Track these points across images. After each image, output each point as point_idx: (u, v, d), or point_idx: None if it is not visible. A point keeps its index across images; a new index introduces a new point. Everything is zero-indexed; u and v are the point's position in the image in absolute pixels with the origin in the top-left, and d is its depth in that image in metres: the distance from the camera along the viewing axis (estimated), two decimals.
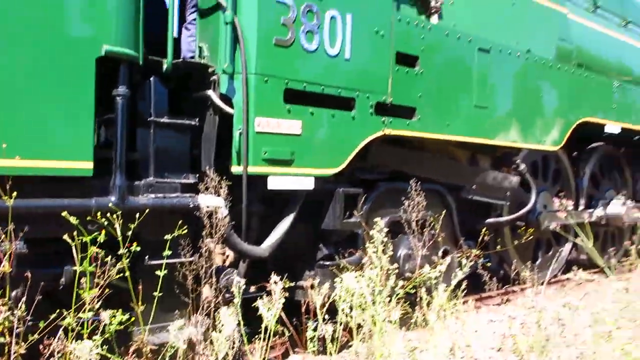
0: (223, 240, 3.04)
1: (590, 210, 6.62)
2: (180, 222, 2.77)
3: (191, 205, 2.93)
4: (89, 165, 2.60)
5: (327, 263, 3.69)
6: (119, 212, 2.49)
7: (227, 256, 3.48)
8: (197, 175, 3.14)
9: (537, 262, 6.04)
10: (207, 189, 3.06)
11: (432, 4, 4.46)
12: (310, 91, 3.48)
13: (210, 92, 3.27)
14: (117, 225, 2.40)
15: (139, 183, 2.87)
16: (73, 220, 2.30)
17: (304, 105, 3.44)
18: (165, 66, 3.00)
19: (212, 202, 2.98)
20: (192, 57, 3.45)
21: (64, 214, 2.39)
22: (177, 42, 3.46)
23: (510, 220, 5.22)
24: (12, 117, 2.40)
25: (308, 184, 3.44)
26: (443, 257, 4.43)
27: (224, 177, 3.13)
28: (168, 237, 2.69)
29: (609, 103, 6.14)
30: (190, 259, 2.90)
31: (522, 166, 5.14)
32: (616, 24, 7.32)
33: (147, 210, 2.66)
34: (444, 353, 2.98)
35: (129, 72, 2.79)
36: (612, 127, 6.17)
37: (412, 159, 4.38)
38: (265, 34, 3.26)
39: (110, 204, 2.62)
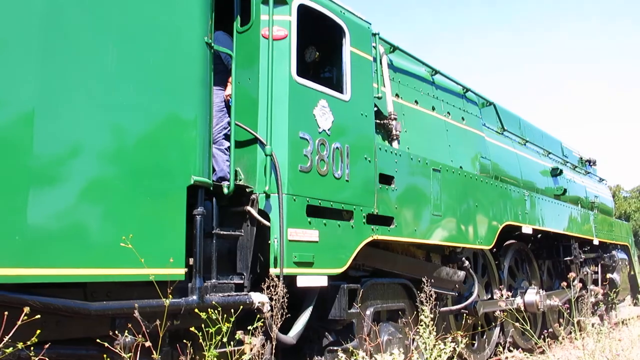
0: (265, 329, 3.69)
1: (511, 299, 7.87)
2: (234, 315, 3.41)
3: (247, 302, 3.60)
4: (182, 271, 3.24)
5: (335, 348, 4.40)
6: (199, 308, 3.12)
7: (254, 345, 4.09)
8: (243, 276, 3.83)
9: (475, 345, 7.05)
10: (250, 288, 3.75)
11: (393, 132, 5.68)
12: (323, 206, 4.37)
13: (249, 208, 4.04)
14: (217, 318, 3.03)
15: (207, 284, 3.51)
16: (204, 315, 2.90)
17: (319, 218, 4.31)
18: (226, 190, 3.77)
19: (260, 298, 3.67)
20: (225, 178, 4.22)
21: (136, 313, 2.97)
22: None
23: (461, 308, 6.24)
24: (137, 234, 3.03)
25: (324, 282, 4.23)
26: (413, 341, 5.29)
27: (263, 278, 3.84)
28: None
29: (523, 209, 7.61)
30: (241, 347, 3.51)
31: (466, 262, 6.27)
32: (518, 142, 9.15)
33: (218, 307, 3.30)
34: None
35: (204, 195, 3.53)
36: (527, 229, 7.62)
37: (387, 259, 5.32)
38: (293, 163, 4.17)
39: (195, 303, 3.23)
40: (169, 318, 3.07)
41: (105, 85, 3.05)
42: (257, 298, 3.66)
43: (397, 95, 6.00)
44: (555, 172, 9.72)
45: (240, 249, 4.06)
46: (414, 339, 5.39)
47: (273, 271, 3.92)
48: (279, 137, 4.14)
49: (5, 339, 2.13)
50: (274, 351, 4.00)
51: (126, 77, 3.14)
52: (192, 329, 3.03)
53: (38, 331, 2.38)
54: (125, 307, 3.04)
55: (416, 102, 6.33)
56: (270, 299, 3.84)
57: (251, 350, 4.05)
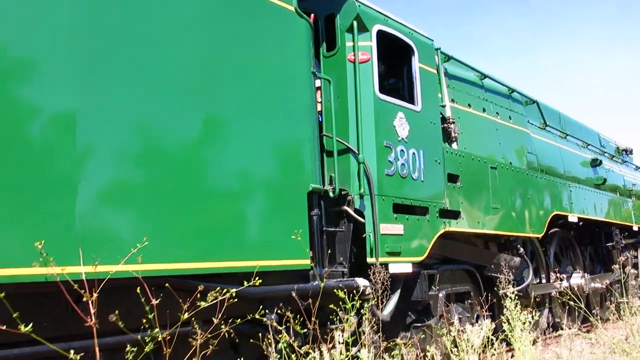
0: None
1: (558, 282, 8.50)
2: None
3: (354, 286, 4.35)
4: (308, 261, 4.01)
5: (418, 325, 5.14)
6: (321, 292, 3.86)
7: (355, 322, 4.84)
8: (343, 265, 4.58)
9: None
10: (353, 275, 4.50)
11: (452, 134, 6.35)
12: (405, 204, 5.09)
13: (346, 208, 4.78)
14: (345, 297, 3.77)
15: (320, 272, 4.27)
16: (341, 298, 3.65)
17: (403, 214, 5.04)
18: (332, 194, 4.52)
19: (364, 283, 4.42)
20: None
21: (294, 294, 3.75)
22: None
23: (518, 290, 6.90)
24: (278, 233, 3.80)
25: (409, 268, 4.96)
26: (476, 320, 6.00)
27: (358, 267, 4.59)
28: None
29: (568, 199, 8.22)
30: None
31: (521, 249, 6.93)
32: (559, 136, 9.71)
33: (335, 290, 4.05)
34: None
35: (318, 199, 4.29)
36: (572, 218, 8.23)
37: (454, 248, 6.03)
38: (380, 168, 4.90)
39: (318, 287, 4.00)
40: (295, 300, 3.83)
41: (254, 121, 3.85)
42: (361, 282, 4.41)
43: (452, 100, 6.66)
44: (595, 163, 10.25)
45: (339, 242, 4.81)
46: (478, 317, 6.11)
47: (370, 260, 4.66)
48: (368, 146, 4.87)
49: (216, 320, 2.88)
50: (374, 327, 4.76)
51: (265, 113, 3.93)
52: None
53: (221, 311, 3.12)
54: (277, 292, 3.80)
55: (469, 105, 6.98)
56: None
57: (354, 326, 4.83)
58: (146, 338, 2.46)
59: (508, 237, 6.92)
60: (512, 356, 5.25)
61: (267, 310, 3.67)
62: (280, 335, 3.34)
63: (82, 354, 2.30)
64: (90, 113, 2.98)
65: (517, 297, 7.18)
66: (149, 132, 3.26)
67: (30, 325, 2.15)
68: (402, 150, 5.16)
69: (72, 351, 2.29)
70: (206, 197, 3.48)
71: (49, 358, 2.77)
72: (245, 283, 3.03)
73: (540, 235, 7.34)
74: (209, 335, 2.75)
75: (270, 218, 3.85)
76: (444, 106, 6.09)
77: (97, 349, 2.33)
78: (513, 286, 7.02)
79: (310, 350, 3.43)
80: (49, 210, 2.71)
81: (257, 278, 3.17)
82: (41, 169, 2.74)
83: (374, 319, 4.55)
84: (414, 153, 5.30)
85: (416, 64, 5.56)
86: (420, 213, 5.28)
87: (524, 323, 4.69)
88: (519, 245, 6.95)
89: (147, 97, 3.26)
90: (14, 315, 2.15)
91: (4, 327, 2.16)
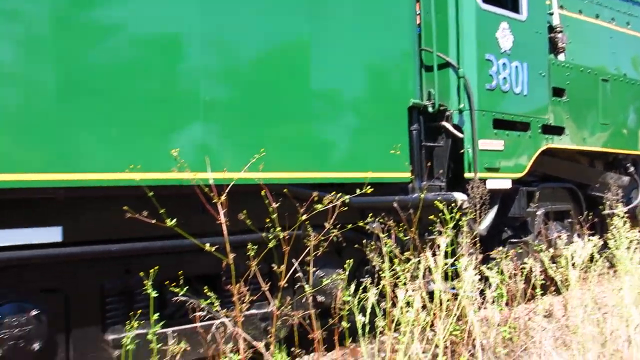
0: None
1: None
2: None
3: (452, 199, 4.45)
4: (409, 174, 4.14)
5: (515, 240, 5.18)
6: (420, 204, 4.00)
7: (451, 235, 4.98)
8: (441, 179, 4.66)
9: None
10: (450, 188, 4.58)
11: (559, 44, 5.96)
12: (506, 119, 4.99)
13: (445, 123, 4.78)
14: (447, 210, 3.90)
15: (420, 185, 4.40)
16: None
17: (503, 130, 4.95)
18: (431, 109, 4.54)
19: (462, 197, 4.50)
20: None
21: (395, 204, 3.91)
22: None
23: (626, 210, 6.64)
24: (376, 147, 3.95)
25: (508, 184, 4.94)
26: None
27: (454, 181, 4.65)
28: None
29: None
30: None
31: (632, 168, 6.58)
32: None
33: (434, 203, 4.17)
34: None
35: (417, 114, 4.34)
36: None
37: (555, 165, 5.85)
38: (481, 82, 4.79)
39: (418, 199, 4.14)
40: (394, 211, 4.00)
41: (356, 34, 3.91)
42: (459, 196, 4.49)
43: (561, 6, 6.18)
44: None
45: (437, 157, 4.86)
46: (579, 235, 6.01)
47: (468, 175, 4.70)
48: (469, 60, 4.76)
49: (328, 225, 3.12)
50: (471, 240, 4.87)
51: (366, 26, 3.97)
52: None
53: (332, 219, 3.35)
54: (379, 202, 4.00)
55: (580, 11, 6.45)
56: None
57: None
58: (269, 236, 2.76)
59: (617, 155, 6.57)
60: (615, 276, 5.17)
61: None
62: (383, 241, 3.57)
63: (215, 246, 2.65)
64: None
65: (624, 218, 6.94)
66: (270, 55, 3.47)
67: (174, 220, 2.50)
68: (504, 63, 4.98)
69: (207, 244, 2.64)
70: (315, 111, 3.68)
71: (185, 251, 3.21)
72: (358, 191, 3.20)
73: None
74: (322, 238, 3.01)
75: (373, 132, 3.99)
76: (551, 14, 5.70)
77: (227, 245, 2.66)
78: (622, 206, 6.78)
79: (411, 257, 3.64)
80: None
81: (359, 190, 3.35)
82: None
83: (471, 233, 4.66)
84: (516, 66, 5.09)
85: None
86: (521, 129, 5.15)
87: (630, 241, 4.58)
88: (628, 164, 6.59)
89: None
90: (161, 211, 2.50)
91: (154, 221, 2.53)
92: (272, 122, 3.48)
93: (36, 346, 2.87)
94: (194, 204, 2.91)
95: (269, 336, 3.00)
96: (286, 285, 2.91)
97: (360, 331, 2.81)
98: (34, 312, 2.87)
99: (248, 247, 2.78)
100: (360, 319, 2.75)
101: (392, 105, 4.11)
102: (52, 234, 2.83)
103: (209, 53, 3.26)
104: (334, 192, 3.09)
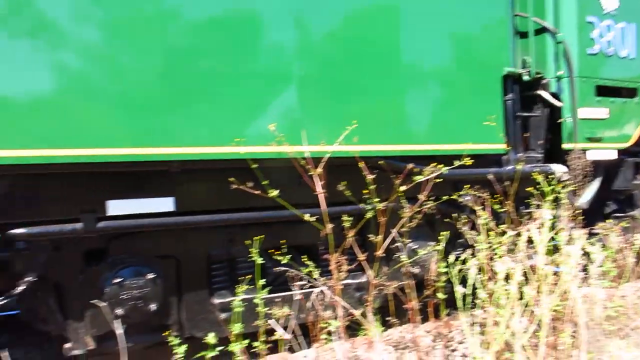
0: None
1: None
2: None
3: (549, 172, 4.26)
4: (502, 146, 4.02)
5: (619, 214, 4.89)
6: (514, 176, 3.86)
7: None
8: (541, 151, 4.47)
9: None
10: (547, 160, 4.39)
11: None
12: (610, 86, 4.67)
13: (541, 92, 4.56)
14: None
15: (515, 157, 4.25)
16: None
17: (606, 97, 4.65)
18: (527, 77, 4.35)
19: (560, 169, 4.30)
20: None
21: (490, 177, 3.81)
22: None
23: None
24: (469, 117, 3.87)
25: (612, 155, 4.66)
26: None
27: (552, 153, 4.43)
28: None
29: None
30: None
31: None
32: None
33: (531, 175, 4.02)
34: None
35: (512, 83, 4.17)
36: None
37: None
38: (581, 47, 4.51)
39: (513, 172, 4.02)
40: (488, 184, 3.90)
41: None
42: (558, 168, 4.29)
43: None
44: None
45: (533, 128, 4.66)
46: None
47: (567, 146, 4.48)
48: (568, 24, 4.48)
49: (423, 197, 3.12)
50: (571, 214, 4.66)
51: None
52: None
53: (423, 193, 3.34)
54: (472, 175, 3.92)
55: None
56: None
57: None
58: (367, 207, 2.82)
59: None
60: None
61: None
62: (477, 214, 3.51)
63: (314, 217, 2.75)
64: None
65: None
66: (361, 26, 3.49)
67: (277, 191, 2.62)
68: (608, 25, 4.64)
69: (307, 215, 2.75)
70: (406, 82, 3.65)
71: (282, 222, 3.35)
72: (456, 162, 3.16)
73: None
74: (418, 209, 3.02)
75: (465, 103, 3.89)
76: None
77: (326, 215, 2.76)
78: None
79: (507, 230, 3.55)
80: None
81: (456, 162, 3.30)
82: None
83: (571, 206, 4.46)
84: (622, 28, 4.73)
85: None
86: (627, 95, 4.81)
87: None
88: None
89: None
90: (264, 182, 2.63)
91: (258, 192, 2.67)
92: (364, 95, 3.50)
93: (152, 307, 3.15)
94: (291, 176, 3.03)
95: (365, 305, 3.07)
96: (384, 255, 2.96)
97: (459, 302, 2.81)
98: (150, 276, 3.14)
99: (343, 218, 2.85)
100: (460, 290, 2.74)
101: (485, 74, 3.99)
102: (166, 204, 3.06)
103: (302, 27, 3.32)
104: (434, 164, 3.06)
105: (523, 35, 4.64)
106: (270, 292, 3.39)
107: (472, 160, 3.13)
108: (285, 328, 2.84)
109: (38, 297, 3.15)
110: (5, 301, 2.97)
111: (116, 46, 2.84)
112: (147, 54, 2.91)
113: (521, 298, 2.87)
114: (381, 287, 3.29)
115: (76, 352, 3.15)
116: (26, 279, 2.96)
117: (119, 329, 2.86)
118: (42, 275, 3.02)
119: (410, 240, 3.56)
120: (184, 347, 2.54)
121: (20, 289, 2.95)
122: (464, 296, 2.79)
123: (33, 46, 2.65)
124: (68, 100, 2.73)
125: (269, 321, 2.79)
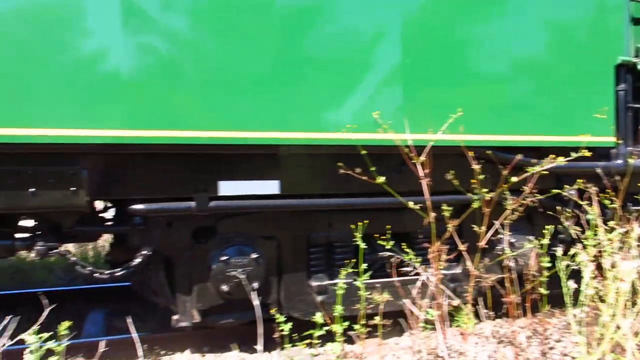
0: None
1: None
2: None
3: None
4: (612, 139, 3.81)
5: None
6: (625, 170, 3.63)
7: None
8: None
9: None
10: None
11: None
12: None
13: None
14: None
15: (625, 150, 4.01)
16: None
17: None
18: None
19: None
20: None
21: (599, 171, 3.62)
22: None
23: None
24: (577, 108, 3.70)
25: None
26: None
27: None
28: None
29: None
30: None
31: None
32: None
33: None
34: None
35: (625, 73, 3.93)
36: None
37: None
38: None
39: (624, 166, 3.80)
40: (594, 178, 3.70)
41: None
42: None
43: None
44: None
45: None
46: None
47: None
48: None
49: (529, 189, 3.03)
50: None
51: None
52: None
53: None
54: (579, 168, 3.73)
55: None
56: None
57: None
58: (473, 197, 2.78)
59: None
60: None
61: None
62: (583, 209, 3.36)
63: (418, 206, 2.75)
64: None
65: None
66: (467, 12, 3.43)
67: (384, 178, 2.65)
68: None
69: (410, 202, 2.75)
70: (511, 71, 3.55)
71: (380, 209, 3.37)
72: (573, 154, 3.04)
73: None
74: (522, 201, 2.94)
75: (574, 93, 3.72)
76: None
77: (429, 202, 2.75)
78: None
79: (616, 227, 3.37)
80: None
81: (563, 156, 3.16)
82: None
83: None
84: None
85: None
86: None
87: None
88: None
89: None
90: (372, 169, 2.67)
91: (365, 178, 2.72)
92: (469, 84, 3.43)
93: (255, 285, 3.29)
94: (392, 163, 3.05)
95: (465, 295, 3.04)
96: (486, 246, 2.92)
97: (567, 298, 2.71)
98: (253, 255, 3.28)
99: (443, 207, 2.83)
100: (570, 285, 2.65)
101: (597, 63, 3.78)
102: (273, 187, 3.18)
103: (407, 14, 3.31)
104: (551, 155, 2.95)
105: (637, 21, 4.35)
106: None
107: (590, 153, 2.98)
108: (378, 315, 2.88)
109: (150, 270, 3.39)
110: (123, 272, 3.21)
111: (247, 39, 2.98)
112: (262, 45, 3.02)
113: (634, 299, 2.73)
114: (478, 279, 3.24)
115: (183, 324, 3.36)
116: (142, 253, 3.18)
117: (255, 300, 3.01)
118: (155, 250, 3.24)
119: (510, 233, 3.47)
120: (289, 325, 2.64)
121: (136, 261, 3.18)
122: (576, 292, 2.69)
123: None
124: (193, 89, 2.91)
125: (400, 303, 2.78)
